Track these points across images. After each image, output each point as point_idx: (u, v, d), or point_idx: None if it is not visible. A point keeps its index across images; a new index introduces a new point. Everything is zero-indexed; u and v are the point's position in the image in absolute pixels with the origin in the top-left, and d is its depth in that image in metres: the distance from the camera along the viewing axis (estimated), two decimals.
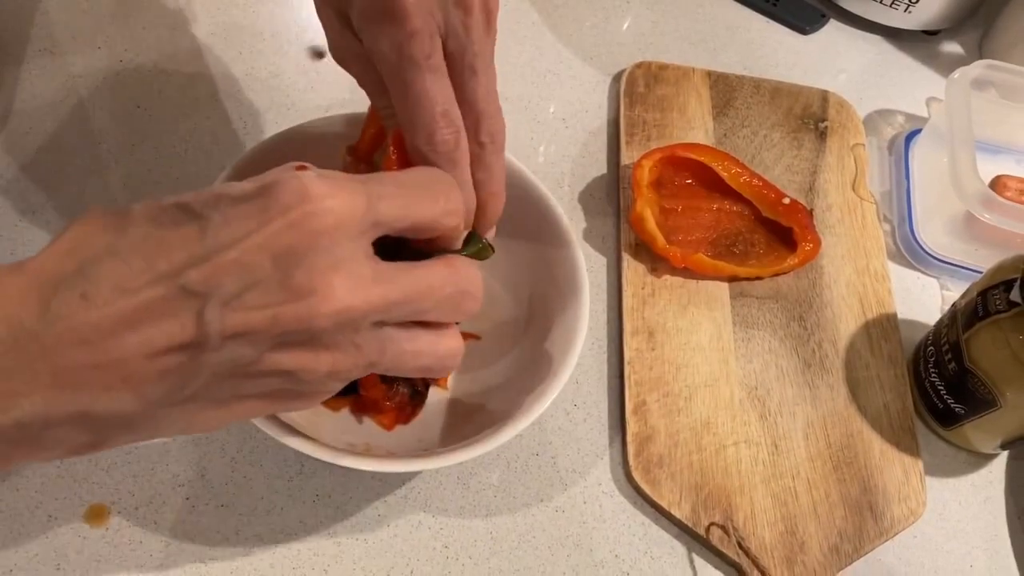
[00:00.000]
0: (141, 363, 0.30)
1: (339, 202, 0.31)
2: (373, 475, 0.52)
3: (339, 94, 0.66)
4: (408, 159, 0.40)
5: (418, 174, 0.36)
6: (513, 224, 0.52)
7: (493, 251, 0.41)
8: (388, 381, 0.50)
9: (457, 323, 0.38)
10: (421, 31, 0.37)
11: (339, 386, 0.36)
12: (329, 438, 0.46)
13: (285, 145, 0.50)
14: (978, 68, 0.68)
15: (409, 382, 0.51)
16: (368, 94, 0.42)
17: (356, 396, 0.50)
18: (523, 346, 0.53)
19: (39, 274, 0.30)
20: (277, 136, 0.51)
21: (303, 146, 0.50)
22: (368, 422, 0.51)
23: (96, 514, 0.48)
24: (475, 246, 0.40)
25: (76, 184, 0.58)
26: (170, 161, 0.60)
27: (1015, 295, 0.51)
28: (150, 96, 0.63)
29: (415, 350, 0.36)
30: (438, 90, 0.38)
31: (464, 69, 0.39)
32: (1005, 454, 0.61)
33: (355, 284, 0.31)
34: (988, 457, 0.61)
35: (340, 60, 0.42)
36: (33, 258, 0.31)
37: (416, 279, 0.34)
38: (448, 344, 0.37)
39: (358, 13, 0.38)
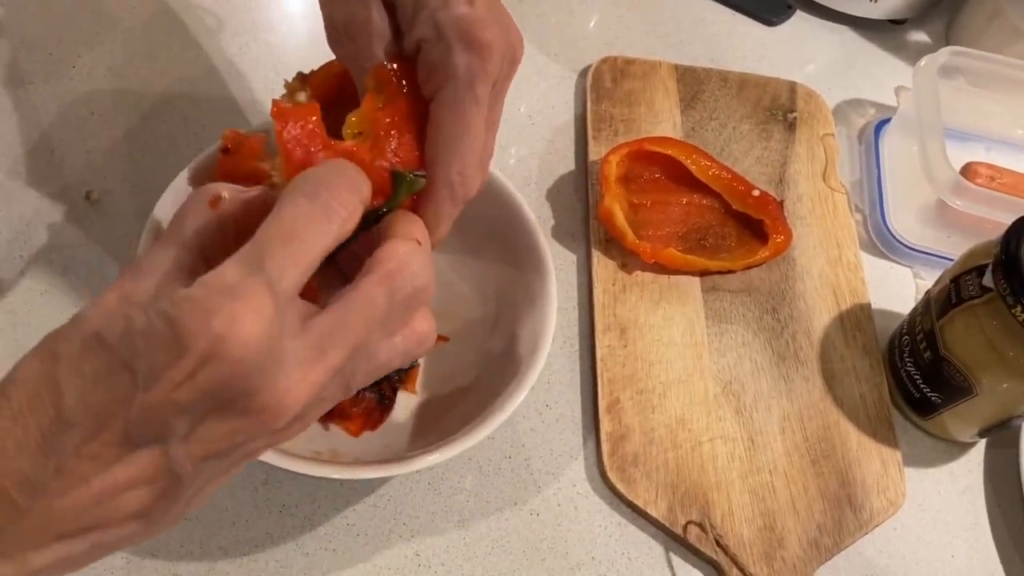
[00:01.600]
0: (131, 508, 0.31)
1: (246, 322, 0.28)
2: (342, 483, 0.50)
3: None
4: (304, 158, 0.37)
5: (294, 200, 0.32)
6: (479, 222, 0.51)
7: (424, 178, 0.38)
8: None
9: None
10: (492, 75, 0.37)
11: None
12: (295, 447, 0.45)
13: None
14: (945, 55, 0.68)
15: (376, 388, 0.50)
16: (353, 66, 0.40)
17: None
18: (491, 346, 0.52)
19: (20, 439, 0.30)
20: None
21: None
22: (335, 429, 0.50)
23: None
24: (404, 186, 0.37)
25: (31, 191, 0.56)
26: (126, 166, 0.58)
27: (987, 280, 0.51)
28: (104, 101, 0.61)
29: (386, 362, 0.34)
30: (481, 133, 0.38)
31: (491, 118, 0.39)
32: (983, 442, 0.61)
33: (300, 377, 0.30)
34: (966, 446, 0.60)
35: (342, 24, 0.39)
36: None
37: (355, 316, 0.32)
38: (417, 331, 0.35)
39: (436, 23, 0.37)
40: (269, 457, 0.42)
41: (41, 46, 0.63)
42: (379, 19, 0.39)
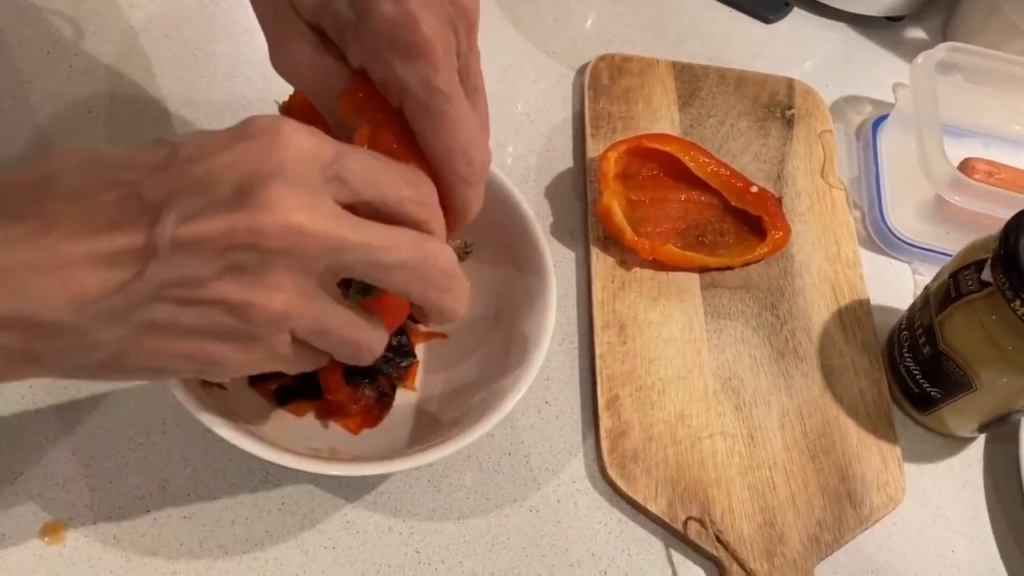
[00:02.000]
0: (84, 269, 0.29)
1: (309, 139, 0.31)
2: (340, 481, 0.50)
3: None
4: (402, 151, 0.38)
5: (396, 164, 0.35)
6: (478, 220, 0.50)
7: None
8: (353, 383, 0.49)
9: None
10: (446, 64, 0.36)
11: (285, 349, 0.34)
12: (294, 444, 0.45)
13: None
14: (942, 51, 0.68)
15: (375, 384, 0.50)
16: (318, 103, 0.41)
17: (321, 400, 0.49)
18: (491, 343, 0.52)
19: (5, 186, 0.31)
20: None
21: None
22: (334, 427, 0.50)
23: (52, 531, 0.46)
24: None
25: None
26: None
27: (987, 275, 0.51)
28: (102, 101, 0.61)
29: (385, 266, 0.33)
30: (467, 114, 0.37)
31: (469, 88, 0.39)
32: (982, 437, 0.61)
33: (312, 209, 0.30)
34: (966, 441, 0.60)
35: (287, 70, 0.40)
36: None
37: (384, 232, 0.33)
38: (431, 247, 0.35)
39: (366, 44, 0.37)
40: (267, 454, 0.42)
41: (38, 46, 0.62)
42: (321, 58, 0.39)
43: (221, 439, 0.42)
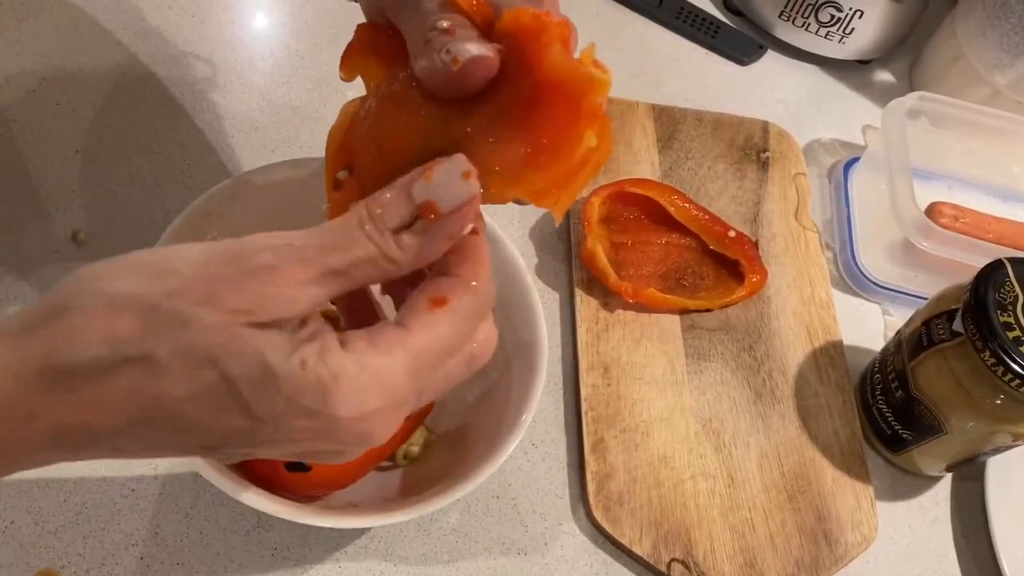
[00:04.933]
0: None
1: (389, 427, 0.31)
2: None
3: (284, 133, 0.65)
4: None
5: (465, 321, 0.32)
6: None
7: None
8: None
9: None
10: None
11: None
12: None
13: (230, 201, 0.49)
14: (912, 99, 0.70)
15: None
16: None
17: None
18: (479, 392, 0.52)
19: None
20: (222, 188, 0.49)
21: (247, 198, 0.49)
22: None
23: None
24: None
25: (15, 232, 0.56)
26: (112, 206, 0.59)
27: (958, 325, 0.53)
28: (89, 139, 0.61)
29: (455, 376, 0.33)
30: None
31: None
32: (950, 476, 0.63)
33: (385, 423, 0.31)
34: (934, 479, 0.63)
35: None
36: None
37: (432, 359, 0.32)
38: (482, 339, 0.34)
39: None
40: (259, 504, 0.42)
41: (24, 85, 0.62)
42: None
43: (213, 485, 0.42)
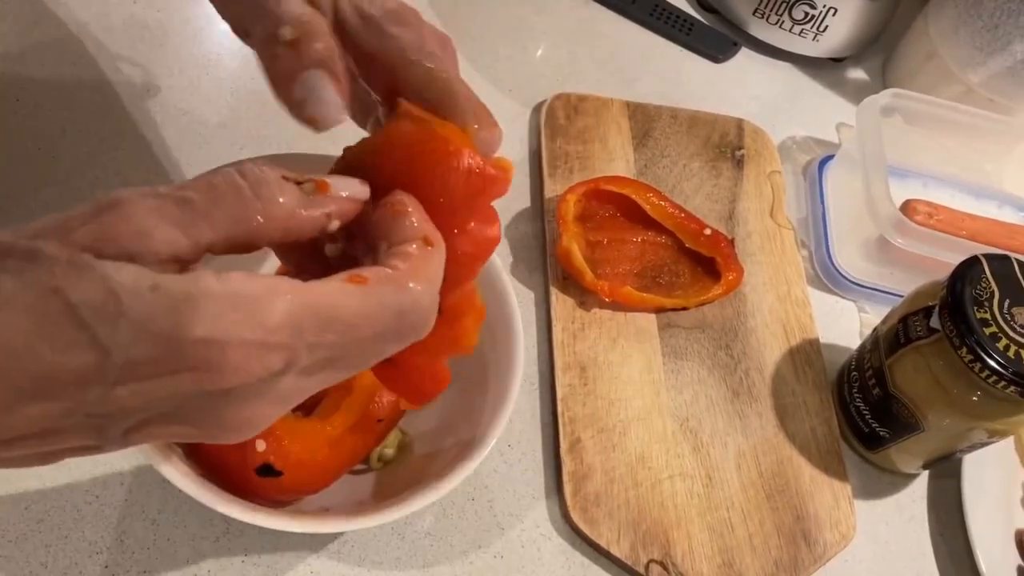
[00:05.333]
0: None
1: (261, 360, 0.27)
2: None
3: (253, 129, 0.64)
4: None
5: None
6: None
7: None
8: None
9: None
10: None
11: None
12: None
13: None
14: (886, 97, 0.70)
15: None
16: None
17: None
18: (454, 395, 0.51)
19: None
20: None
21: None
22: None
23: None
24: None
25: None
26: (76, 204, 0.57)
27: (935, 322, 0.53)
28: (51, 136, 0.60)
29: (373, 358, 0.31)
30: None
31: None
32: (926, 473, 0.63)
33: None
34: (911, 477, 0.62)
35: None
36: None
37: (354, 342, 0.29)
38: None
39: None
40: (229, 509, 0.41)
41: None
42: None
43: (181, 490, 0.41)
